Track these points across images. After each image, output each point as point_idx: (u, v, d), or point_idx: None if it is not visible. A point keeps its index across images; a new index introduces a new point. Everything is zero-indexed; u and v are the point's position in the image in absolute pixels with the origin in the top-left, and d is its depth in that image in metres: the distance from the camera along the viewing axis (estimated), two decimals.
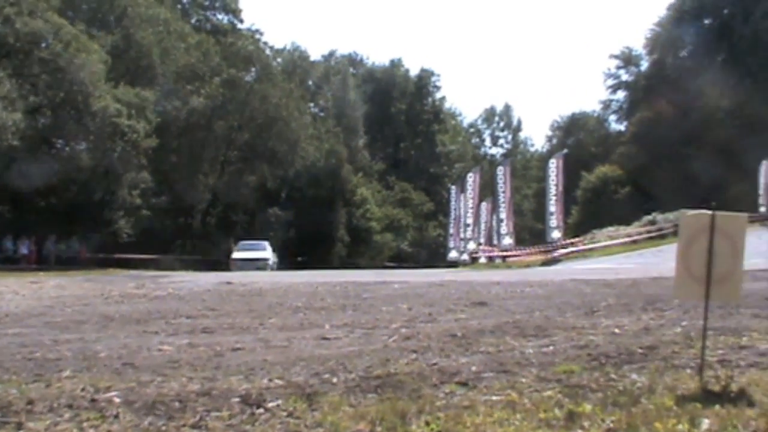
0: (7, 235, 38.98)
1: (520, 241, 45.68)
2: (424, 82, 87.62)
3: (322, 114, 74.22)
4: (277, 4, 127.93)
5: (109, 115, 38.18)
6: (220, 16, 67.85)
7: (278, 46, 74.90)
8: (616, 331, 7.98)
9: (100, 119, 38.02)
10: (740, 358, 6.21)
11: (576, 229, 52.02)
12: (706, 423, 4.32)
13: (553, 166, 38.50)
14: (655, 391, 5.07)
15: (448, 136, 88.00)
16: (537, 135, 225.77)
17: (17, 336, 8.98)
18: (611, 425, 4.35)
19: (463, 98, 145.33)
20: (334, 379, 5.82)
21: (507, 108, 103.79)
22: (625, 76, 76.62)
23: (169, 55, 50.71)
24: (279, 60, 70.53)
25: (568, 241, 39.26)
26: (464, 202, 42.09)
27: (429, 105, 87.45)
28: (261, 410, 4.90)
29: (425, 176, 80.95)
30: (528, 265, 32.55)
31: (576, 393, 5.10)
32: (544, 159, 61.97)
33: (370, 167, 76.14)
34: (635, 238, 39.40)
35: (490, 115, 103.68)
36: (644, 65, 72.98)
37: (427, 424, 4.46)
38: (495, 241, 42.03)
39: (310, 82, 77.51)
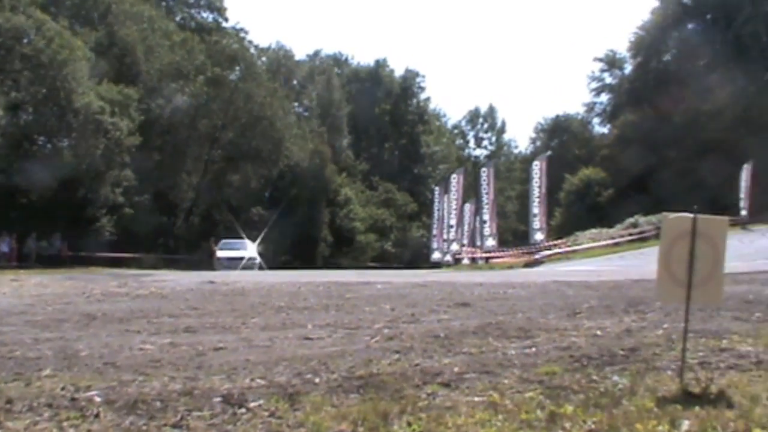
0: None
1: (503, 243, 45.78)
2: (408, 83, 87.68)
3: (306, 114, 74.17)
4: (262, 3, 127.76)
5: (92, 113, 38.03)
6: (204, 15, 67.75)
7: (263, 45, 74.89)
8: (598, 332, 8.00)
9: (83, 116, 37.86)
10: (720, 361, 6.25)
11: (559, 231, 52.21)
12: (686, 424, 4.34)
13: (537, 168, 38.59)
14: (636, 393, 5.09)
15: (432, 137, 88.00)
16: (521, 137, 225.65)
17: None
18: (592, 426, 4.37)
19: (448, 99, 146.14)
20: (317, 379, 5.81)
21: (491, 109, 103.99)
22: (609, 79, 76.91)
23: (153, 53, 50.54)
24: (264, 59, 70.41)
25: (551, 243, 39.36)
26: (448, 203, 42.11)
27: (413, 106, 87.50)
28: (243, 410, 4.89)
29: (409, 177, 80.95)
30: (511, 267, 32.58)
31: (558, 394, 5.11)
32: (527, 161, 62.19)
33: (354, 167, 76.14)
34: (617, 240, 39.50)
35: (474, 117, 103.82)
36: (628, 68, 73.26)
37: (409, 424, 4.46)
38: (478, 243, 42.02)
39: (295, 82, 77.42)
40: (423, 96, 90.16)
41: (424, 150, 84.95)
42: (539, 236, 38.14)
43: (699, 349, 6.69)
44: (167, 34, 53.20)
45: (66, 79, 37.24)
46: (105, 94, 40.29)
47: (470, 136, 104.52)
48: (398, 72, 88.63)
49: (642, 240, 37.85)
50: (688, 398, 4.87)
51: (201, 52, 54.29)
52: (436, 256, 43.66)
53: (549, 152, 51.78)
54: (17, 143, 37.42)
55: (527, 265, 32.94)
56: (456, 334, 8.06)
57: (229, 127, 55.42)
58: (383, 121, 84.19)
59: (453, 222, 41.67)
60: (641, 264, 21.99)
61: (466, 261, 39.80)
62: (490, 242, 39.55)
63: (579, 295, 12.47)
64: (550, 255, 35.52)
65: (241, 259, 36.30)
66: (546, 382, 5.56)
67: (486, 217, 39.87)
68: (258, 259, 37.29)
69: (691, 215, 5.37)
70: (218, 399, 5.15)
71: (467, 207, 44.07)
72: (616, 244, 38.28)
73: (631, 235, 40.61)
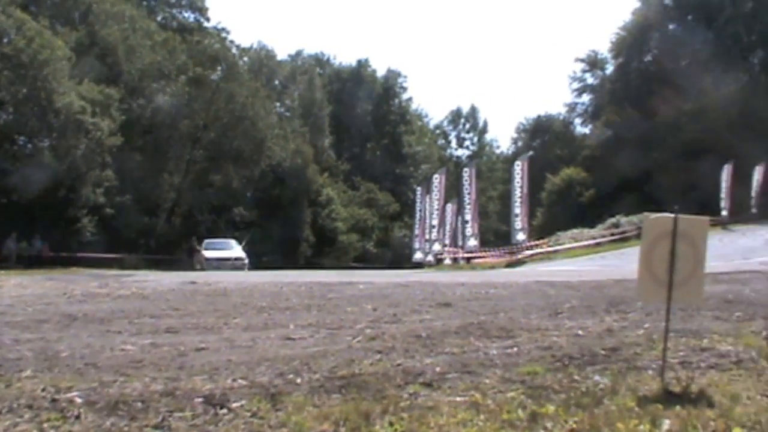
0: None
1: (484, 243, 45.83)
2: (390, 83, 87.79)
3: (288, 114, 73.97)
4: (243, 3, 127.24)
5: (73, 113, 37.86)
6: (186, 14, 67.46)
7: (245, 45, 74.58)
8: (580, 332, 8.03)
9: (63, 116, 37.70)
10: (701, 360, 6.28)
11: (541, 231, 52.31)
12: (666, 423, 4.37)
13: (519, 168, 38.63)
14: (617, 392, 5.11)
15: (414, 138, 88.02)
16: (503, 137, 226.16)
17: None
18: (574, 426, 4.38)
19: (430, 100, 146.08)
20: (299, 380, 5.80)
21: (473, 110, 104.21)
22: (590, 80, 77.15)
23: (134, 53, 50.33)
24: (245, 59, 70.22)
25: (533, 243, 39.46)
26: (430, 204, 42.10)
27: (395, 106, 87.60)
28: (224, 410, 4.87)
29: (391, 177, 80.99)
30: (492, 267, 32.65)
31: (539, 394, 5.13)
32: (509, 161, 62.33)
33: (336, 167, 76.08)
34: (599, 240, 39.65)
35: (456, 117, 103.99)
36: (610, 69, 73.56)
37: (391, 424, 4.47)
38: (460, 243, 42.06)
39: (277, 82, 77.23)
40: (405, 96, 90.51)
41: (406, 150, 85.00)
42: (521, 236, 38.18)
43: (680, 348, 6.72)
44: (149, 33, 52.97)
45: (47, 79, 37.07)
46: (86, 94, 40.10)
47: (452, 137, 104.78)
48: (380, 72, 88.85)
49: (623, 240, 38.00)
50: (668, 397, 4.89)
51: (182, 52, 54.14)
52: (418, 256, 43.65)
53: (531, 152, 51.89)
54: None
55: (509, 265, 33.02)
56: (438, 334, 8.06)
57: (210, 127, 55.26)
58: (365, 121, 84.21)
59: (435, 222, 41.69)
60: (622, 264, 22.07)
61: (448, 261, 39.85)
62: (472, 242, 39.58)
63: (560, 295, 12.50)
64: (532, 255, 35.63)
65: (231, 259, 36.11)
66: (527, 381, 5.57)
67: (468, 217, 39.89)
68: (247, 260, 37.13)
69: (672, 215, 5.40)
70: (200, 399, 5.13)
71: (449, 207, 44.11)
72: (598, 244, 38.41)
73: (612, 235, 40.77)
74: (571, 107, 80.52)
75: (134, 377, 5.99)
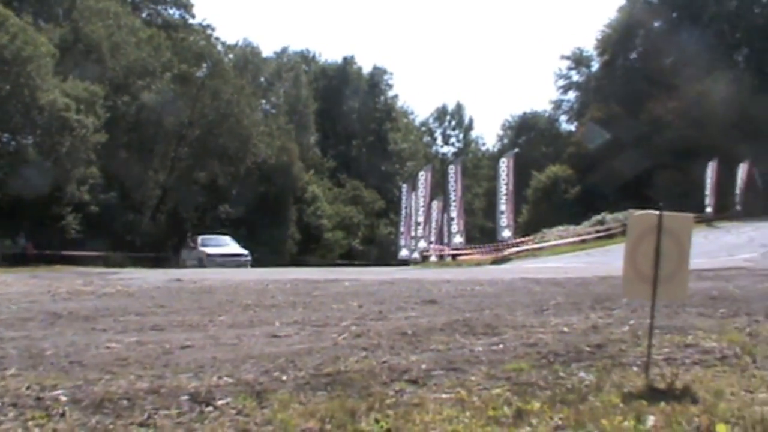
0: None
1: (470, 240, 45.82)
2: (376, 80, 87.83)
3: (273, 111, 73.91)
4: (229, 0, 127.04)
5: (57, 110, 37.70)
6: (171, 11, 67.24)
7: (230, 41, 74.46)
8: (565, 329, 8.04)
9: (47, 113, 37.54)
10: (685, 356, 6.30)
11: (526, 228, 52.40)
12: (651, 420, 4.38)
13: (504, 165, 38.60)
14: (602, 389, 5.12)
15: (399, 135, 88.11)
16: (488, 134, 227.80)
17: None
18: (559, 422, 4.38)
19: (416, 97, 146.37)
20: (284, 377, 5.79)
21: (459, 107, 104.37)
22: (576, 77, 77.58)
23: (119, 50, 50.12)
24: (231, 56, 70.08)
25: (519, 240, 39.50)
26: (415, 201, 42.03)
27: (381, 103, 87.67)
28: (210, 408, 4.86)
29: (377, 174, 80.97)
30: (478, 264, 32.67)
31: (525, 391, 5.13)
32: (495, 158, 62.33)
33: (322, 165, 76.03)
34: (584, 237, 39.77)
35: (441, 114, 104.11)
36: (595, 66, 73.87)
37: (377, 421, 4.46)
38: (445, 240, 42.07)
39: (262, 79, 77.09)
40: (391, 93, 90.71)
41: (392, 147, 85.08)
42: (506, 233, 38.17)
43: (664, 345, 6.74)
44: (133, 30, 52.77)
45: (30, 76, 36.91)
46: (70, 91, 39.93)
47: (438, 134, 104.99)
48: (366, 69, 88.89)
49: (609, 237, 38.14)
50: (653, 394, 4.90)
51: (168, 49, 53.96)
52: (403, 253, 43.60)
53: (516, 149, 51.92)
54: None
55: (494, 262, 33.06)
56: (423, 331, 8.07)
57: (196, 124, 55.09)
58: (351, 119, 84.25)
59: (421, 219, 41.64)
60: (608, 261, 22.15)
61: (433, 258, 39.83)
62: (458, 239, 39.57)
63: (546, 291, 12.54)
64: (517, 252, 35.66)
65: (235, 255, 35.80)
66: (513, 378, 5.58)
67: (453, 214, 39.90)
68: (250, 256, 36.85)
69: (657, 212, 5.42)
70: (185, 397, 5.11)
71: (435, 204, 44.11)
72: (583, 241, 38.54)
73: (597, 232, 40.92)
74: (557, 104, 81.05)
75: (119, 375, 5.97)
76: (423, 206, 41.27)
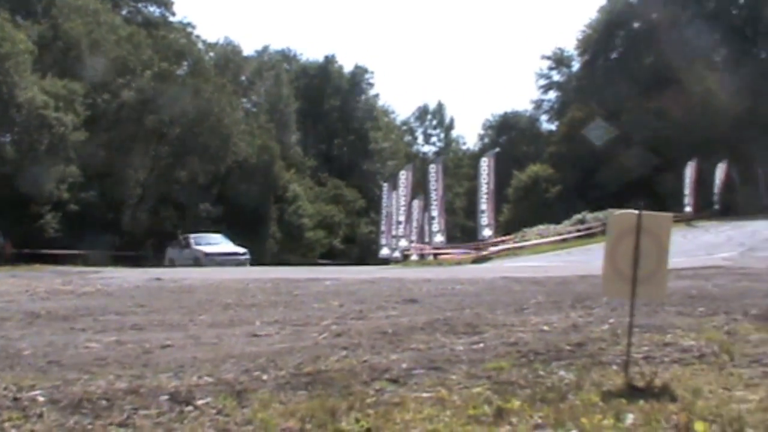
0: None
1: (451, 239, 45.86)
2: (357, 79, 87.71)
3: (254, 109, 73.70)
4: None
5: (36, 107, 37.49)
6: (151, 9, 66.82)
7: (211, 40, 74.21)
8: (545, 328, 8.07)
9: (26, 111, 37.33)
10: (664, 355, 6.33)
11: (507, 227, 52.49)
12: (630, 418, 4.40)
13: (485, 164, 38.63)
14: (582, 388, 5.14)
15: (381, 134, 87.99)
16: (469, 133, 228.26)
17: None
18: (539, 421, 4.40)
19: (397, 96, 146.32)
20: (264, 376, 5.79)
21: (440, 106, 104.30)
22: (556, 77, 77.87)
23: (98, 47, 49.81)
24: (211, 54, 69.91)
25: (499, 239, 39.55)
26: (396, 200, 42.01)
27: (362, 102, 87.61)
28: (190, 408, 4.85)
29: (358, 173, 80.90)
30: (459, 263, 32.71)
31: (505, 389, 5.15)
32: (476, 157, 62.34)
33: (303, 163, 75.82)
34: (565, 236, 39.87)
35: (422, 113, 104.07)
36: (576, 66, 74.16)
37: (357, 420, 4.46)
38: (426, 239, 42.09)
39: (243, 78, 76.88)
40: (372, 92, 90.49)
41: (373, 146, 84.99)
42: (487, 232, 38.19)
43: (644, 343, 6.78)
44: (113, 28, 52.48)
45: (8, 73, 36.68)
46: (49, 88, 39.73)
47: (419, 133, 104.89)
48: (347, 68, 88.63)
49: (589, 236, 38.21)
50: (632, 392, 4.93)
51: (148, 46, 53.66)
52: (384, 252, 43.58)
53: (497, 149, 52.14)
54: None
55: (475, 261, 33.08)
56: (404, 330, 8.08)
57: (176, 122, 54.76)
58: (332, 118, 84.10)
59: (401, 218, 41.63)
60: (588, 260, 22.21)
61: (414, 257, 39.83)
62: (439, 238, 39.58)
63: (526, 290, 12.57)
64: (498, 251, 35.72)
65: (233, 254, 35.47)
66: (493, 377, 5.59)
67: (434, 213, 39.91)
68: (248, 255, 36.53)
69: (636, 212, 5.44)
70: (165, 397, 5.10)
71: (415, 203, 44.10)
72: (564, 240, 38.62)
73: (578, 231, 41.01)
74: (538, 104, 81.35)
75: (98, 375, 5.95)
76: (404, 205, 41.26)
